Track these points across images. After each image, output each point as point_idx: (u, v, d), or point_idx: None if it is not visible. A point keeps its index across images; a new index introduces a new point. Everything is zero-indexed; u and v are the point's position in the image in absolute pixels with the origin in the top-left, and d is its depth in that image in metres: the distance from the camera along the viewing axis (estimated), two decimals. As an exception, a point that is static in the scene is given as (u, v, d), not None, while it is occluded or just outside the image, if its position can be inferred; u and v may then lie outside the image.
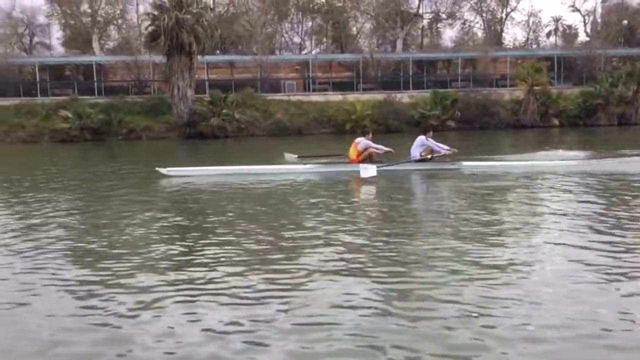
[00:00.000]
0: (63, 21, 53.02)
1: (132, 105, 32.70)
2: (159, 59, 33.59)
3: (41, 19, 52.03)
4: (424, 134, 14.53)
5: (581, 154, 16.67)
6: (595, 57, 37.46)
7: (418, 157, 13.91)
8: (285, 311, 4.57)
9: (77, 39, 50.51)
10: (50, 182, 13.67)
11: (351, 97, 34.61)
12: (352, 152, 14.26)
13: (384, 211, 9.09)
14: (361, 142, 14.29)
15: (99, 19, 45.42)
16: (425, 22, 52.57)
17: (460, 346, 3.90)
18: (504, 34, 51.45)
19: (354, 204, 9.97)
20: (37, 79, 36.44)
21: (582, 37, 56.18)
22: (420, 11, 49.85)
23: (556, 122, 32.76)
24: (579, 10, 50.20)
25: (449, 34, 56.02)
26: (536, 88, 32.41)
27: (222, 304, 4.78)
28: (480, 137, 27.62)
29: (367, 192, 11.48)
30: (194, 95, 31.43)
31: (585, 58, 37.39)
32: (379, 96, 34.63)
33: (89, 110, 30.71)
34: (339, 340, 4.01)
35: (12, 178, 14.97)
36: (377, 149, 14.35)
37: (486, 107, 33.12)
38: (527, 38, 53.44)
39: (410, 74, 39.49)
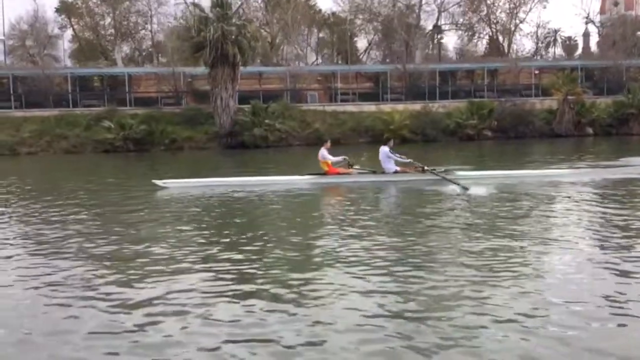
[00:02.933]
0: (73, 34, 53.11)
1: (170, 116, 32.70)
2: (197, 70, 33.65)
3: (50, 31, 51.85)
4: (385, 144, 13.91)
5: None
6: (618, 68, 38.19)
7: (393, 170, 13.64)
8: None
9: (86, 52, 50.49)
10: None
11: (386, 107, 34.94)
12: (323, 165, 14.00)
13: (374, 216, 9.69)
14: (320, 152, 14.02)
15: (123, 30, 45.33)
16: (428, 32, 53.16)
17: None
18: (512, 45, 52.16)
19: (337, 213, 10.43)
20: (69, 90, 36.25)
21: (580, 49, 57.39)
22: (440, 22, 50.54)
23: (590, 131, 33.32)
24: (592, 22, 51.10)
25: (451, 44, 56.89)
26: (570, 97, 32.95)
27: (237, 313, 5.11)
28: (521, 146, 28.10)
29: (346, 201, 11.92)
30: (236, 105, 31.55)
31: (611, 69, 38.01)
32: (411, 106, 34.99)
33: (130, 121, 30.72)
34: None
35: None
36: (332, 158, 13.92)
37: (521, 116, 33.65)
38: (536, 49, 54.37)
39: (437, 84, 39.93)
